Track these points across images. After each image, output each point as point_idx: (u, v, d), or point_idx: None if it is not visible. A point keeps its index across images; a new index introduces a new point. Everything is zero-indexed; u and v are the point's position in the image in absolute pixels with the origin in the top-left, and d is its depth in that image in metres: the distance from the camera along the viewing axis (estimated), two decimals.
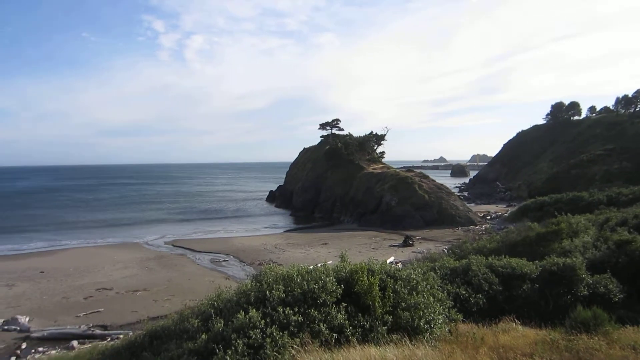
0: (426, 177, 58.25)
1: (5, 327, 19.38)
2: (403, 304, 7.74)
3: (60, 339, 18.36)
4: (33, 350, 17.29)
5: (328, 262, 9.88)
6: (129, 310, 21.77)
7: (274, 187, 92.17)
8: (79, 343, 17.59)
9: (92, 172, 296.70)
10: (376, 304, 7.44)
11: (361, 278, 7.61)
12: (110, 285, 26.30)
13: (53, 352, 16.67)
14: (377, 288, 7.63)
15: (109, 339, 17.57)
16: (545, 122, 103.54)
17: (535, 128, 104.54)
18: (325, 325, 6.77)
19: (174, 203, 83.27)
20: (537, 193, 54.11)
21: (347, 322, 7.00)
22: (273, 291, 7.43)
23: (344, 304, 7.27)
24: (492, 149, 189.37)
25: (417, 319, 7.47)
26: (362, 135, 72.77)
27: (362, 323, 7.12)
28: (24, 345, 17.78)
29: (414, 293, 8.03)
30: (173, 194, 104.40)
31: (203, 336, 6.77)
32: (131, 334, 15.87)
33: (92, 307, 22.26)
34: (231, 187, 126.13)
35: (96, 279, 27.98)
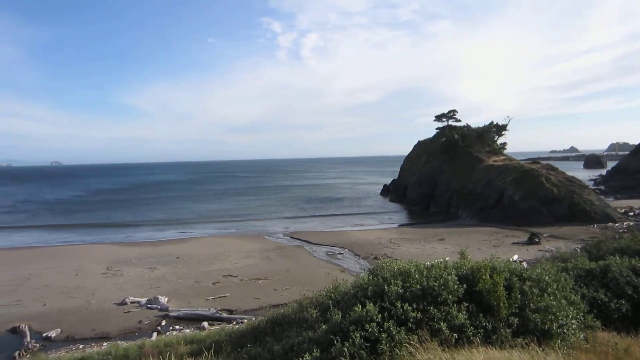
0: (554, 169, 53.17)
1: (149, 306, 21.84)
2: (531, 305, 7.11)
3: (193, 320, 20.18)
4: (171, 328, 19.23)
5: (446, 259, 9.46)
6: (251, 296, 23.16)
7: (388, 181, 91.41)
8: (208, 324, 19.18)
9: (217, 167, 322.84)
10: (501, 304, 6.92)
11: (484, 276, 7.13)
12: (235, 272, 28.25)
13: (187, 330, 18.38)
14: (502, 287, 7.10)
15: (234, 323, 18.88)
16: None
17: None
18: (445, 324, 6.48)
19: (292, 196, 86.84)
20: None
21: (467, 322, 6.62)
22: (391, 286, 7.29)
23: (465, 304, 6.89)
24: (635, 137, 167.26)
25: (547, 323, 6.81)
26: (481, 126, 68.90)
27: (484, 324, 6.69)
28: (163, 323, 19.86)
29: (544, 294, 7.32)
30: (290, 188, 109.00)
31: (323, 326, 6.87)
32: (254, 319, 16.85)
33: (220, 292, 24.09)
34: (345, 181, 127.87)
35: (223, 266, 30.27)
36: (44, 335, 18.72)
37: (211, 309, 20.99)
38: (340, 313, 7.05)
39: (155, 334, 18.30)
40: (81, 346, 17.43)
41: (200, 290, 24.65)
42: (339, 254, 33.75)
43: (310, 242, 38.49)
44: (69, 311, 21.62)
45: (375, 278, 8.05)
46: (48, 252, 37.22)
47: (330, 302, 7.92)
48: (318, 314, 7.71)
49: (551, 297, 7.23)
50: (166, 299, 22.42)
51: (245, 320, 18.59)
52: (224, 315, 20.39)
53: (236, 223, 53.59)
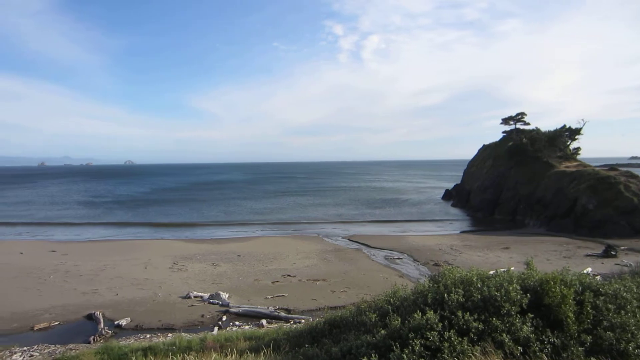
0: (635, 176, 49.33)
1: (211, 301, 22.64)
2: (605, 322, 6.64)
3: (252, 317, 20.68)
4: (231, 323, 19.82)
5: (511, 269, 9.05)
6: (309, 297, 23.38)
7: (450, 185, 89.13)
8: (267, 322, 19.57)
9: (277, 168, 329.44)
10: (569, 319, 6.53)
11: (552, 289, 6.76)
12: (293, 272, 28.65)
13: (246, 327, 18.86)
14: (572, 302, 6.70)
15: (291, 322, 19.15)
16: None
17: None
18: (508, 336, 6.22)
19: (350, 199, 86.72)
20: None
21: (533, 335, 6.31)
22: (451, 294, 7.12)
23: (530, 315, 6.57)
24: None
25: (623, 342, 6.32)
26: (552, 130, 65.17)
27: (551, 340, 6.34)
28: (224, 318, 20.50)
29: (621, 312, 6.82)
30: (349, 190, 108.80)
31: (381, 331, 6.82)
32: (311, 319, 16.99)
33: (278, 291, 24.52)
34: (405, 185, 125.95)
35: (282, 265, 30.80)
36: (115, 323, 19.94)
37: (270, 308, 21.41)
38: (399, 319, 6.96)
39: (216, 328, 18.94)
40: (148, 335, 18.36)
41: (259, 289, 25.22)
42: (398, 258, 33.28)
43: (368, 246, 38.28)
44: (138, 302, 22.89)
45: (436, 285, 7.88)
46: (121, 246, 39.65)
47: (390, 307, 7.84)
48: (377, 318, 7.65)
49: (629, 315, 6.72)
50: (227, 295, 23.14)
51: (303, 321, 18.80)
52: (282, 314, 20.71)
53: (295, 224, 54.33)
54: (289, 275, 27.93)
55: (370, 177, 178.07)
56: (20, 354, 16.17)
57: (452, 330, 6.28)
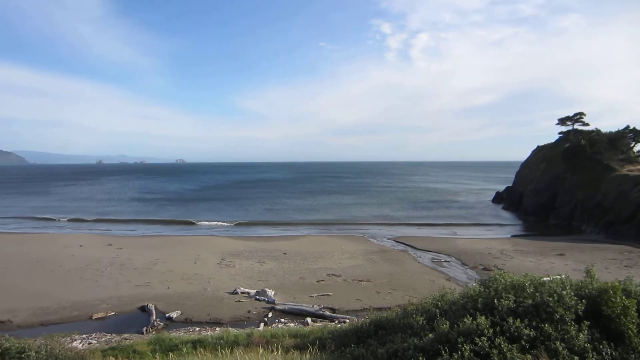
0: None
1: (257, 297, 23.06)
2: None
3: (297, 314, 20.89)
4: (277, 320, 20.11)
5: (567, 275, 8.66)
6: (353, 297, 23.32)
7: (500, 188, 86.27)
8: (312, 320, 19.70)
9: (322, 168, 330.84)
10: (630, 332, 6.18)
11: (612, 298, 6.42)
12: (338, 272, 28.68)
13: (291, 324, 19.09)
14: (635, 313, 6.33)
15: (336, 321, 19.19)
16: None
17: None
18: (562, 344, 5.96)
19: (396, 199, 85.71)
20: None
21: (589, 345, 6.02)
22: (502, 300, 6.92)
23: (587, 323, 6.26)
24: None
25: None
26: (613, 131, 61.55)
27: (610, 352, 6.02)
28: (270, 315, 20.83)
29: None
30: (394, 191, 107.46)
31: (429, 335, 6.73)
32: (356, 320, 16.96)
33: (323, 290, 24.61)
34: (454, 186, 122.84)
35: (327, 265, 30.90)
36: (167, 315, 20.71)
37: (314, 306, 21.54)
38: (448, 323, 6.84)
39: (262, 324, 19.28)
40: (197, 329, 18.97)
41: (304, 287, 25.43)
42: (445, 261, 32.60)
43: (415, 247, 37.71)
44: (188, 295, 23.66)
45: (486, 290, 7.67)
46: (172, 241, 41.13)
47: (437, 310, 7.71)
48: (424, 321, 7.55)
49: None
50: (273, 292, 23.47)
51: (347, 320, 18.79)
52: (327, 313, 20.78)
53: (339, 224, 54.33)
54: (334, 275, 27.98)
55: (417, 178, 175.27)
56: (80, 341, 17.13)
57: (502, 337, 6.11)
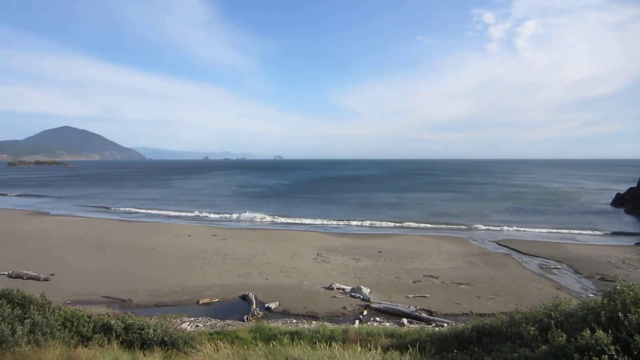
0: None
1: (352, 294, 23.11)
2: None
3: (392, 314, 20.56)
4: (372, 319, 19.97)
5: None
6: (452, 301, 22.43)
7: (621, 189, 77.70)
8: (408, 321, 19.29)
9: (419, 165, 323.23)
10: None
11: None
12: (436, 273, 27.78)
13: (387, 324, 18.85)
14: None
15: (433, 324, 18.59)
16: None
17: None
18: None
19: (498, 198, 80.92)
20: None
21: None
22: (629, 314, 6.14)
23: None
24: None
25: None
26: None
27: None
28: (365, 312, 20.74)
29: None
30: (497, 189, 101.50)
31: (542, 346, 6.20)
32: (454, 324, 16.28)
33: (420, 291, 23.98)
34: (564, 186, 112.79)
35: (424, 265, 30.09)
36: (266, 305, 21.55)
37: (410, 307, 21.05)
38: (564, 335, 6.23)
39: (357, 321, 19.28)
40: (294, 321, 19.48)
41: (400, 287, 24.99)
42: (555, 268, 30.08)
43: (519, 251, 35.29)
44: (286, 288, 24.42)
45: (611, 302, 6.88)
46: (270, 235, 42.86)
47: (552, 321, 7.07)
48: (536, 332, 6.96)
49: None
50: (368, 290, 23.37)
51: (446, 324, 18.11)
52: (424, 315, 20.21)
53: (437, 223, 52.57)
54: (431, 276, 27.16)
55: (520, 177, 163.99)
56: (189, 323, 18.45)
57: (627, 356, 5.43)
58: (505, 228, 49.08)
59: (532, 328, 7.22)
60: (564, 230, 47.98)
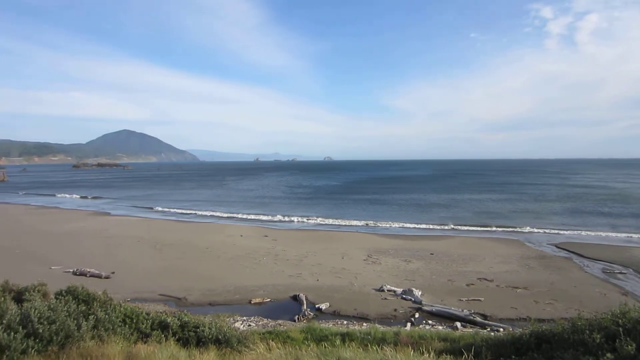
0: None
1: (404, 296, 22.80)
2: None
3: (445, 317, 20.10)
4: (424, 321, 19.62)
5: None
6: (508, 305, 21.65)
7: None
8: (461, 325, 18.80)
9: (471, 165, 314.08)
10: None
11: None
12: (490, 277, 26.92)
13: (440, 327, 18.45)
14: None
15: (488, 329, 18.00)
16: None
17: None
18: None
19: (556, 199, 77.16)
20: None
21: None
22: None
23: None
24: None
25: None
26: None
27: None
28: (417, 315, 20.42)
29: None
30: (554, 190, 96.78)
31: (608, 355, 5.86)
32: (511, 329, 15.71)
33: (474, 294, 23.32)
34: (631, 187, 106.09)
35: (477, 268, 29.23)
36: (316, 306, 21.68)
37: (464, 311, 20.49)
38: (633, 344, 5.87)
39: (409, 324, 19.00)
40: (345, 322, 19.47)
41: (453, 290, 24.40)
42: (620, 273, 28.35)
43: (580, 255, 33.53)
44: (336, 289, 24.46)
45: None
46: (320, 236, 43.04)
47: (620, 329, 6.67)
48: (602, 339, 6.59)
49: None
50: (420, 293, 22.98)
51: (501, 329, 17.51)
52: (478, 319, 19.61)
53: (490, 225, 50.82)
54: (486, 280, 26.34)
55: (579, 177, 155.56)
56: (241, 322, 18.87)
57: None
58: (565, 230, 46.78)
59: (598, 335, 6.85)
60: (629, 233, 45.08)
